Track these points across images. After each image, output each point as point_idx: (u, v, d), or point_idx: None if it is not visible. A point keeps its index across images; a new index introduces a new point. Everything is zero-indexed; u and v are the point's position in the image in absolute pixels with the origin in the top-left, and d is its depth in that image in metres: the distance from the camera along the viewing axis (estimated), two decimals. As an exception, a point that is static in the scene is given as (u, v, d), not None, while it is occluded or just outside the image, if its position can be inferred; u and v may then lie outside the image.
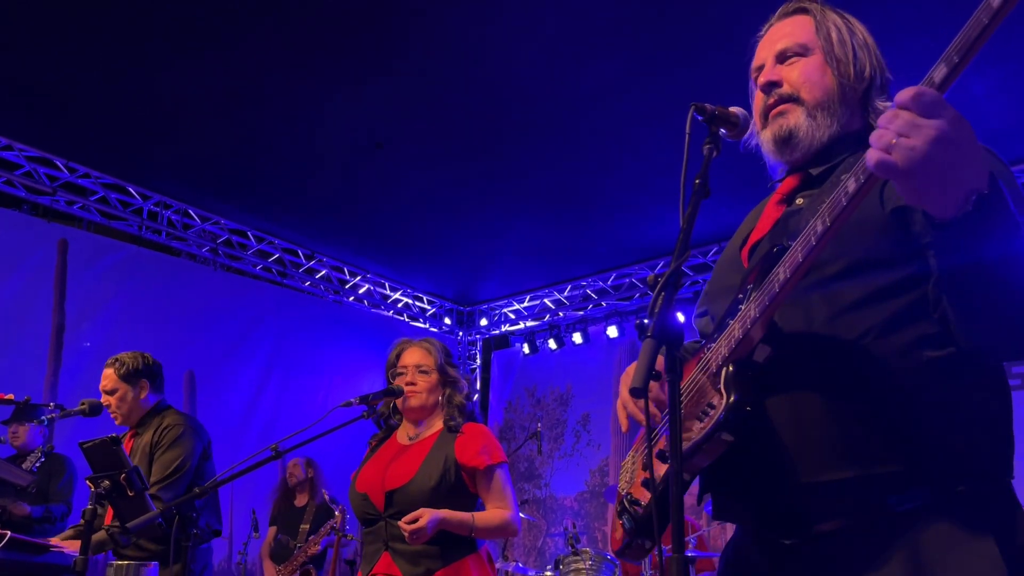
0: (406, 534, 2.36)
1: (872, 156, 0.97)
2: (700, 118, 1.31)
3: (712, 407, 1.18)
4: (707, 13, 4.18)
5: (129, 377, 3.37)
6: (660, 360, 1.05)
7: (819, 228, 1.08)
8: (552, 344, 8.09)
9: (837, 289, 1.22)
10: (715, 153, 1.30)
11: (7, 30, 4.43)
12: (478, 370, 8.84)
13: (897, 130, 0.95)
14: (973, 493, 1.13)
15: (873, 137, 0.97)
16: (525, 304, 8.39)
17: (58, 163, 5.79)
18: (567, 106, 5.08)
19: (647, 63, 4.64)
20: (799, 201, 1.35)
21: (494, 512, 2.55)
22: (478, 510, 2.57)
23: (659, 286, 1.10)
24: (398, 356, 2.75)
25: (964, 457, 1.14)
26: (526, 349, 8.29)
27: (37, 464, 4.27)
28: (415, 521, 2.37)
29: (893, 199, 1.21)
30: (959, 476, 1.14)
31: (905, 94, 0.95)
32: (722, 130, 1.34)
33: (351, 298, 7.81)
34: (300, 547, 5.26)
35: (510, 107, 5.12)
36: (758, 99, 1.42)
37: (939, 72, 0.95)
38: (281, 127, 5.33)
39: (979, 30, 0.90)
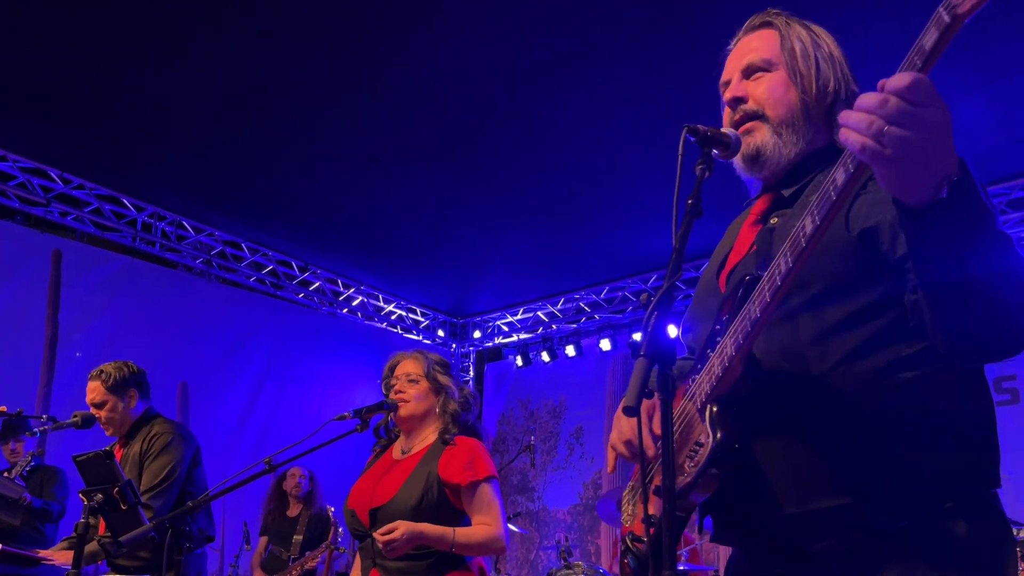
0: (380, 545, 2.33)
1: (856, 141, 0.94)
2: (693, 139, 1.32)
3: (700, 445, 1.20)
4: (701, 33, 4.21)
5: (117, 388, 3.34)
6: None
7: (783, 268, 1.10)
8: (545, 357, 8.09)
9: (810, 316, 1.23)
10: (708, 173, 1.30)
11: (1, 40, 4.44)
12: (471, 382, 8.83)
13: (888, 117, 0.91)
14: (960, 510, 1.14)
15: (857, 121, 0.94)
16: (518, 317, 8.39)
17: (52, 174, 5.79)
18: (562, 121, 5.10)
19: (642, 80, 4.68)
20: (773, 220, 1.36)
21: (478, 528, 2.47)
22: (464, 526, 2.50)
23: (652, 305, 1.12)
24: (391, 369, 2.74)
25: (949, 474, 1.15)
26: (519, 361, 8.29)
27: (27, 468, 4.24)
28: (389, 533, 2.32)
29: (859, 221, 1.22)
30: (946, 494, 1.15)
31: (901, 81, 0.91)
32: (714, 151, 1.34)
33: (345, 310, 7.81)
34: (295, 560, 5.22)
35: (505, 121, 5.15)
36: (727, 114, 1.44)
37: None
38: (276, 139, 5.34)
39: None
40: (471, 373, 8.87)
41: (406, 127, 5.20)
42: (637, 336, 7.49)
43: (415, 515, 2.41)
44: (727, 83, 1.46)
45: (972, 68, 4.35)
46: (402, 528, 2.32)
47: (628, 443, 1.39)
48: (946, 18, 0.87)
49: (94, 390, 3.34)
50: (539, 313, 8.25)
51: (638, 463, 1.43)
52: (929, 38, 0.90)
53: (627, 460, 1.41)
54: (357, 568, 2.69)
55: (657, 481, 1.32)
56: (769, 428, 1.22)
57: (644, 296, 1.18)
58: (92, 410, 3.34)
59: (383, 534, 2.33)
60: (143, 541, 2.17)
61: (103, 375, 3.34)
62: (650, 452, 1.35)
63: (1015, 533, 1.33)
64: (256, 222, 6.59)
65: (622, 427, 1.41)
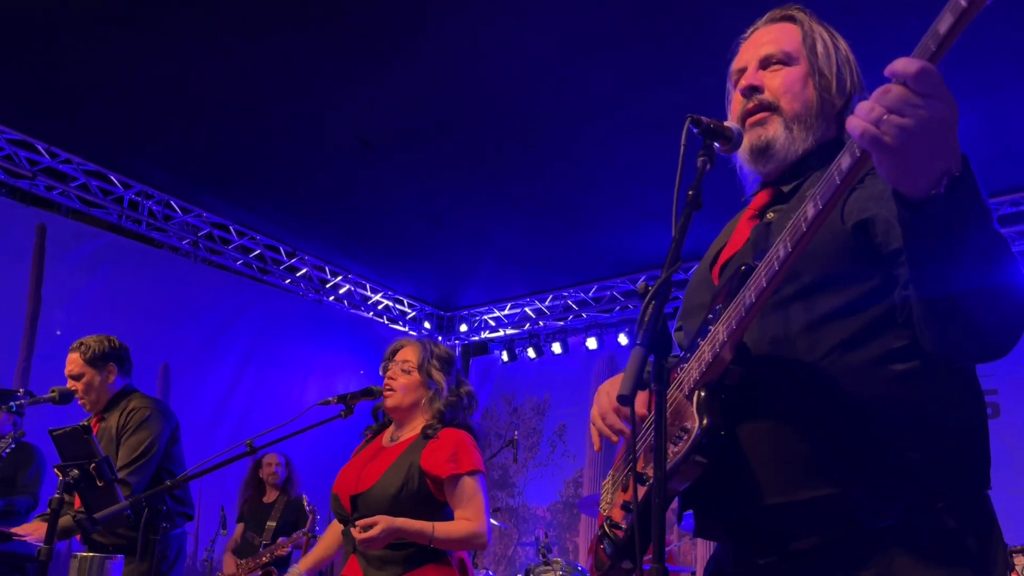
0: (357, 540, 2.30)
1: (857, 125, 0.94)
2: (696, 130, 1.30)
3: (686, 431, 1.18)
4: (696, 33, 4.22)
5: (95, 361, 3.29)
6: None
7: (781, 253, 1.09)
8: (531, 353, 8.08)
9: (802, 307, 1.22)
10: (709, 166, 1.29)
11: (-5, 10, 4.37)
12: (456, 376, 8.79)
13: (888, 105, 0.91)
14: (949, 510, 1.13)
15: (862, 108, 0.94)
16: (506, 312, 8.37)
17: (39, 147, 5.71)
18: (556, 119, 5.09)
19: (636, 80, 4.68)
20: (769, 215, 1.35)
21: (458, 523, 2.43)
22: (445, 518, 2.47)
23: (649, 295, 1.10)
24: (393, 352, 2.70)
25: (938, 472, 1.14)
26: (505, 357, 8.27)
27: (7, 451, 4.17)
28: (369, 528, 2.29)
29: (854, 214, 1.21)
30: (935, 493, 1.14)
31: (908, 67, 0.89)
32: (716, 144, 1.33)
33: (331, 298, 7.75)
34: (266, 545, 5.17)
35: (500, 117, 5.13)
36: (736, 101, 1.42)
37: None
38: (270, 122, 5.29)
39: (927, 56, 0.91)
40: (456, 366, 8.83)
41: (401, 118, 5.17)
42: (623, 336, 7.52)
43: (394, 504, 2.39)
44: (741, 71, 1.43)
45: (963, 82, 4.37)
46: (381, 524, 2.28)
47: (604, 417, 1.38)
48: (963, 2, 0.86)
49: (73, 361, 3.29)
50: (526, 309, 8.23)
51: (615, 441, 1.42)
52: (944, 23, 0.88)
53: (606, 437, 1.40)
54: (321, 545, 2.68)
55: (639, 467, 1.31)
56: (757, 417, 1.21)
57: (642, 285, 1.16)
58: (69, 382, 3.28)
59: (361, 529, 2.29)
60: (119, 518, 2.13)
61: (83, 347, 3.30)
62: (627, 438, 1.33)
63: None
64: (245, 205, 6.53)
65: (602, 403, 1.40)
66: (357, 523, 2.32)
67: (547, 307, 8.09)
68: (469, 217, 6.47)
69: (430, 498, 2.45)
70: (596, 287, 7.64)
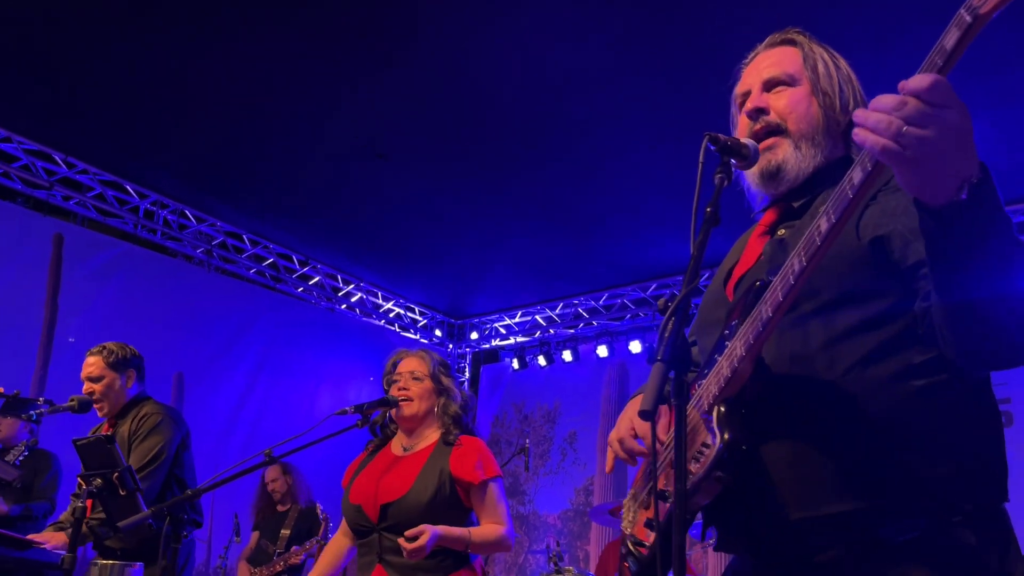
0: (405, 551, 2.32)
1: (876, 142, 0.95)
2: (713, 148, 1.32)
3: (707, 447, 1.20)
4: (707, 43, 4.24)
5: (117, 365, 3.34)
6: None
7: (796, 267, 1.10)
8: (542, 361, 8.09)
9: (821, 323, 1.23)
10: (726, 182, 1.31)
11: (9, 21, 4.42)
12: (466, 383, 8.82)
13: (906, 118, 0.93)
14: (968, 524, 1.15)
15: (876, 122, 0.95)
16: (516, 320, 8.39)
17: (56, 157, 5.77)
18: (567, 126, 5.11)
19: (647, 88, 4.69)
20: (781, 232, 1.37)
21: (490, 527, 2.52)
22: (471, 524, 2.54)
23: (669, 311, 1.12)
24: (394, 365, 2.74)
25: (958, 484, 1.15)
26: (515, 364, 8.28)
27: (20, 458, 4.22)
28: (415, 538, 2.32)
29: (870, 229, 1.22)
30: (953, 505, 1.15)
31: (921, 82, 0.92)
32: (732, 160, 1.36)
33: (343, 306, 7.80)
34: (280, 553, 5.20)
35: (510, 124, 5.15)
36: (743, 124, 1.44)
37: None
38: (281, 132, 5.34)
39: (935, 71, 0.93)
40: (467, 374, 8.86)
41: (413, 125, 5.20)
42: (634, 344, 7.52)
43: (428, 511, 2.44)
44: (745, 94, 1.46)
45: (977, 92, 4.38)
46: (428, 533, 2.33)
47: (621, 441, 1.39)
48: (967, 18, 0.88)
49: (93, 364, 3.33)
50: (537, 317, 8.25)
51: (633, 464, 1.44)
52: (950, 38, 0.91)
53: (622, 460, 1.42)
54: (324, 562, 2.70)
55: (660, 485, 1.32)
56: (777, 432, 1.22)
57: (662, 302, 1.18)
58: (87, 384, 3.32)
59: (410, 539, 2.32)
60: (141, 527, 2.16)
61: (105, 351, 3.35)
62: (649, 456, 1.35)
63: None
64: (258, 214, 6.58)
65: (622, 427, 1.42)
66: (406, 533, 2.35)
67: (558, 315, 8.11)
68: (480, 224, 6.49)
69: (458, 503, 2.52)
70: (607, 295, 7.65)
